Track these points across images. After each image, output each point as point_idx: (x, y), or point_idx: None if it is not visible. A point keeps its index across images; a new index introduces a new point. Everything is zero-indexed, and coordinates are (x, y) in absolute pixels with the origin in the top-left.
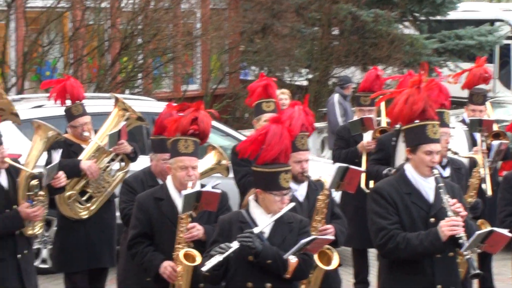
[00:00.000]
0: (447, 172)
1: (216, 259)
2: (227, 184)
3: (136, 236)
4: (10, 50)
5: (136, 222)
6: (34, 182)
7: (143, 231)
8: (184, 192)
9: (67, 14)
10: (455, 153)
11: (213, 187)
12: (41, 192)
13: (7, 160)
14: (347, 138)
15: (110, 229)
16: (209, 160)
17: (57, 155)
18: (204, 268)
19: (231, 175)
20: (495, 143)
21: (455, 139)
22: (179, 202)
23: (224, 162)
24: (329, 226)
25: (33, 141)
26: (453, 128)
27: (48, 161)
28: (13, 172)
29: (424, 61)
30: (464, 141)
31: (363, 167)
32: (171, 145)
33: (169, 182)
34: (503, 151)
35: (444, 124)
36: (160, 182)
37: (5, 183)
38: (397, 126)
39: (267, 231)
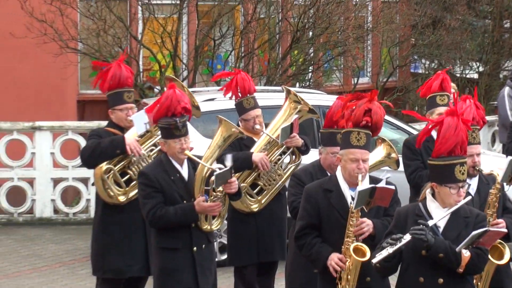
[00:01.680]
0: None
1: (387, 251)
2: (397, 178)
3: (304, 227)
4: (182, 44)
5: (304, 213)
6: (213, 178)
7: (311, 222)
8: (359, 188)
9: (239, 8)
10: None
11: (385, 181)
12: (220, 188)
13: (187, 152)
14: None
15: (280, 222)
16: (379, 153)
17: (229, 160)
18: (374, 260)
19: (401, 168)
20: None
21: None
22: (348, 194)
23: (393, 155)
24: (500, 220)
25: (215, 136)
26: None
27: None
28: (196, 163)
29: None
30: None
31: None
32: (343, 136)
33: (339, 173)
34: None
35: None
36: (329, 175)
37: (186, 174)
38: None
39: (442, 225)
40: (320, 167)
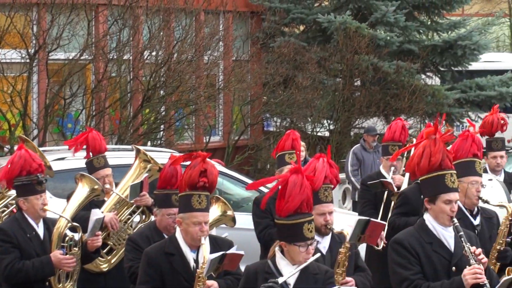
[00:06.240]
0: (477, 221)
1: None
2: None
3: None
4: (32, 103)
5: (146, 278)
6: (70, 235)
7: (154, 287)
8: (211, 257)
9: (90, 66)
10: (486, 202)
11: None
12: (75, 248)
13: (47, 208)
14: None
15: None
16: (214, 211)
17: (97, 214)
18: None
19: (243, 225)
20: None
21: (492, 189)
22: (191, 257)
23: (229, 213)
24: (349, 279)
25: (75, 192)
26: (490, 179)
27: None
28: (50, 224)
29: (446, 111)
30: (501, 191)
31: None
32: (183, 200)
33: (179, 236)
34: None
35: (476, 173)
36: (166, 237)
37: (41, 233)
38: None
39: (292, 282)
40: (156, 229)
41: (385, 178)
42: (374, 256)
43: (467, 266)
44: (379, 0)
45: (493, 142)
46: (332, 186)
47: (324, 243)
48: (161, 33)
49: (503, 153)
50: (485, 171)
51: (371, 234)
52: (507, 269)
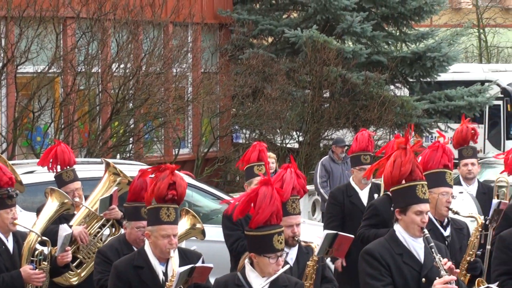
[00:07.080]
0: (447, 232)
1: None
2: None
3: None
4: (1, 116)
5: None
6: (39, 250)
7: None
8: (180, 270)
9: (58, 79)
10: (456, 213)
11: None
12: (44, 263)
13: (17, 222)
14: (341, 200)
15: None
16: (184, 224)
17: (65, 230)
18: None
19: (212, 238)
20: (495, 201)
21: (462, 202)
22: (159, 269)
23: (198, 225)
24: None
25: (45, 206)
26: (461, 192)
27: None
28: (19, 238)
29: (415, 122)
30: (471, 204)
31: None
32: (151, 212)
33: (148, 248)
34: (503, 211)
35: (446, 184)
36: (136, 249)
37: (11, 247)
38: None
39: None
40: (126, 242)
41: (354, 189)
42: (344, 267)
43: (437, 277)
44: (347, 11)
45: (463, 150)
46: (299, 197)
47: (291, 255)
48: (130, 46)
49: (474, 160)
50: (459, 183)
51: (339, 248)
52: (477, 280)
